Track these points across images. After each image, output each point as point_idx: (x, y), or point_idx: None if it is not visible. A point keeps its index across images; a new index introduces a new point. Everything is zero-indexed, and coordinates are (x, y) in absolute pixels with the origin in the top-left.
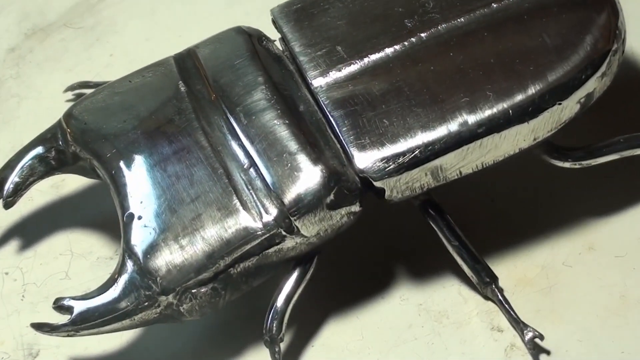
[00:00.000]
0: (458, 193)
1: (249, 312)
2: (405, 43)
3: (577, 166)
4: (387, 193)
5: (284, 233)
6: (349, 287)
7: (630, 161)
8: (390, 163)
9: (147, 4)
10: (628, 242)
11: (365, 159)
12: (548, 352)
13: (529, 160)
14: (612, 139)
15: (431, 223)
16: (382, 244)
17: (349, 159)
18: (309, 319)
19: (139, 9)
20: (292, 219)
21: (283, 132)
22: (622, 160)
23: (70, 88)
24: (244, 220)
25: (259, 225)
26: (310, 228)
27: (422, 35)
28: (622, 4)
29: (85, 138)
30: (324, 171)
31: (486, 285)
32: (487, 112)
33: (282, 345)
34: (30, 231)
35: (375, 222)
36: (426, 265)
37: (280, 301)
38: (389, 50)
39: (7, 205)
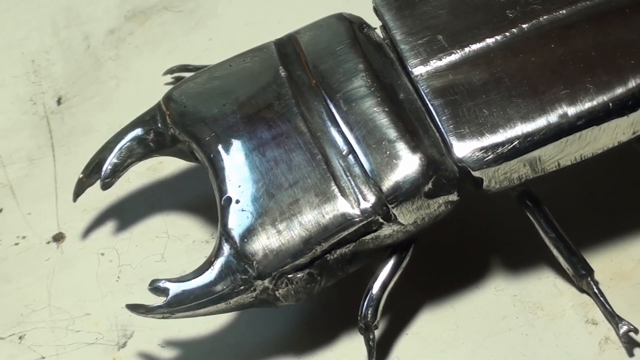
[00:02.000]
0: (555, 185)
1: (344, 299)
2: (507, 34)
3: None
4: (485, 183)
5: (381, 220)
6: (444, 277)
7: None
8: (489, 153)
9: None
10: None
11: (464, 149)
12: None
13: (628, 154)
14: None
15: (528, 214)
16: (477, 234)
17: (448, 148)
18: (403, 307)
19: None
20: (389, 206)
21: (382, 119)
22: None
23: (169, 71)
24: (341, 206)
25: (357, 212)
26: (407, 216)
27: (524, 26)
28: None
29: (184, 121)
30: (422, 159)
31: (582, 277)
32: (587, 105)
33: (376, 333)
34: (127, 213)
35: (471, 211)
36: (522, 257)
37: (375, 288)
38: (489, 41)
39: (105, 187)
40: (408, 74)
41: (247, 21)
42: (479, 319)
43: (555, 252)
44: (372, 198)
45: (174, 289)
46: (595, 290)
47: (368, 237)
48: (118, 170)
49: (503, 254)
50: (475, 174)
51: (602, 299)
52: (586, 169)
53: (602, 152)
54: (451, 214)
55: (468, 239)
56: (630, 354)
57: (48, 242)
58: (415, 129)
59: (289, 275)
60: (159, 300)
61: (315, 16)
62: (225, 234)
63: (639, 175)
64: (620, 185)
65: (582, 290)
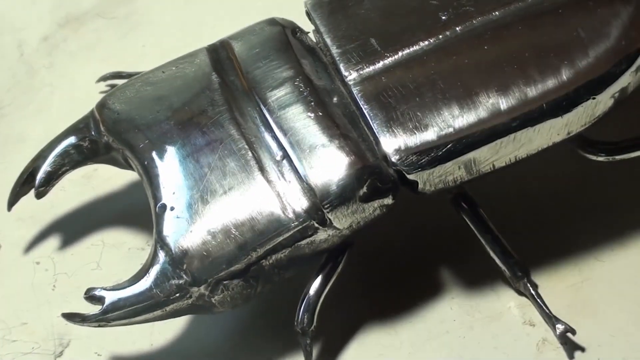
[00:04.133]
0: (491, 187)
1: (281, 304)
2: (440, 36)
3: (611, 160)
4: (420, 186)
5: (316, 225)
6: (382, 281)
7: None
8: (424, 156)
9: None
10: None
11: (398, 152)
12: (580, 347)
13: (564, 155)
14: None
15: (464, 216)
16: (414, 238)
17: (383, 151)
18: (341, 312)
19: None
20: (324, 211)
21: (316, 124)
22: None
23: (103, 78)
24: (276, 211)
25: (292, 217)
26: (342, 220)
27: (457, 28)
28: None
29: (118, 128)
30: (357, 164)
31: (518, 279)
32: (521, 106)
33: (314, 337)
34: (62, 221)
35: (407, 215)
36: (459, 259)
37: (311, 293)
38: (423, 44)
39: (39, 195)
40: (341, 78)
41: (180, 27)
42: (417, 323)
43: (492, 254)
44: (307, 203)
45: (110, 297)
46: (532, 291)
47: (303, 242)
48: (52, 179)
49: (440, 257)
50: (410, 177)
51: (538, 300)
52: (522, 170)
53: (537, 153)
54: (386, 217)
55: (405, 243)
56: (569, 355)
57: None
58: (349, 133)
59: (225, 282)
60: (95, 309)
61: (248, 21)
62: (161, 241)
63: (574, 177)
64: (555, 187)
65: (519, 292)
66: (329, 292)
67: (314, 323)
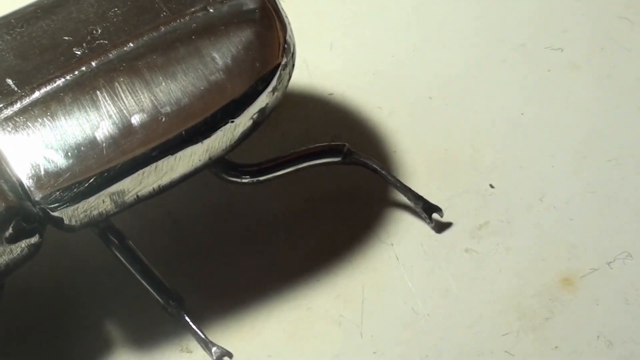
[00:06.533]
0: (138, 217)
1: None
2: (76, 72)
3: (255, 181)
4: (66, 222)
5: None
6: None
7: None
8: (67, 192)
9: None
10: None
11: (41, 190)
12: None
13: (209, 177)
14: (287, 153)
15: (113, 250)
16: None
17: (25, 190)
18: None
19: None
20: None
21: None
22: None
23: None
24: None
25: None
26: None
27: (92, 62)
28: (292, 17)
29: None
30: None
31: (172, 307)
32: (160, 135)
33: None
34: None
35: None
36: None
37: None
38: (59, 81)
39: None
40: None
41: None
42: None
43: (144, 285)
44: None
45: None
46: (186, 318)
47: None
48: None
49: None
50: (55, 214)
51: (193, 326)
52: (167, 198)
53: (181, 179)
54: (36, 255)
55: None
56: None
57: None
58: None
59: None
60: None
61: None
62: None
63: (220, 198)
64: (201, 210)
65: (175, 320)
66: None
67: None
